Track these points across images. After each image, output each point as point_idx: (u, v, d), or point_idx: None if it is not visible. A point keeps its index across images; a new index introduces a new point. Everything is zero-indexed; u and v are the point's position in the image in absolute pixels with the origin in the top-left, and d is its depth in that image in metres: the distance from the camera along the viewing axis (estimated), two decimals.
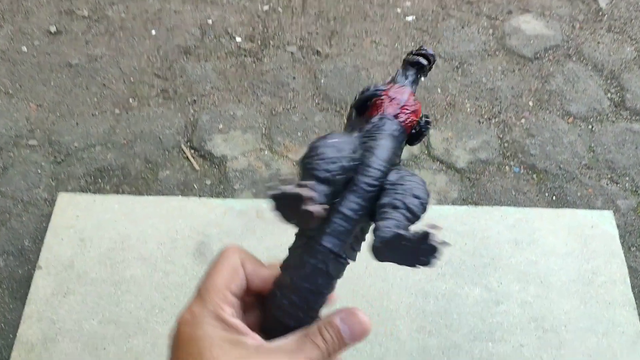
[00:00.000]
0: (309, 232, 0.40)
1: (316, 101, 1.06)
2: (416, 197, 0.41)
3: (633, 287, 0.83)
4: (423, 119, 0.49)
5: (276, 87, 1.09)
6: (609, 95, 1.07)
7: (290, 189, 0.34)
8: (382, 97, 0.47)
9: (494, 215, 0.91)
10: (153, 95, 1.07)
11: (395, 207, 0.41)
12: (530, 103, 1.05)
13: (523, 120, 1.03)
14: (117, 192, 0.95)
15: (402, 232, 0.36)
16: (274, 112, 1.05)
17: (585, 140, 1.00)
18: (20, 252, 0.89)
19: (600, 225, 0.89)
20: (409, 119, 0.47)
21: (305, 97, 1.07)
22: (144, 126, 1.02)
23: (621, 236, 0.88)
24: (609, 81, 1.09)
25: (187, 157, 0.98)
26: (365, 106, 0.47)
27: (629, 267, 0.85)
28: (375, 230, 0.40)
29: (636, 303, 0.82)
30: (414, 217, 0.40)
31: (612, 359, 0.78)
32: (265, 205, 0.92)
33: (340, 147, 0.41)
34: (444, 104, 1.06)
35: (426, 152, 0.99)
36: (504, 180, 0.96)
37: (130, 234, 0.89)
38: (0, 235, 0.90)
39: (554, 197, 0.94)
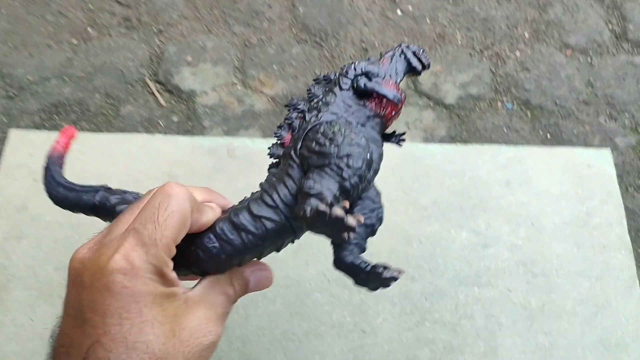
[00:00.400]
0: (292, 218, 0.42)
1: (294, 32, 0.97)
2: (379, 220, 0.47)
3: (629, 230, 0.78)
4: (401, 136, 0.53)
5: (250, 16, 0.99)
6: (610, 26, 0.99)
7: (347, 219, 0.36)
8: (390, 101, 0.48)
9: (484, 153, 0.84)
10: (114, 24, 0.97)
11: (365, 225, 0.45)
12: (526, 34, 0.97)
13: (518, 53, 0.95)
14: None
15: (380, 270, 0.42)
16: (247, 43, 0.96)
17: (583, 74, 0.93)
18: None
19: (597, 165, 0.83)
20: (390, 125, 0.51)
21: (282, 27, 0.98)
22: (104, 58, 0.93)
23: (619, 176, 0.83)
24: (610, 11, 1.01)
25: (152, 92, 0.90)
26: (368, 94, 0.48)
27: (626, 209, 0.80)
28: (344, 248, 0.45)
29: (632, 246, 0.77)
30: (372, 235, 0.46)
31: (606, 304, 0.73)
32: (237, 144, 0.85)
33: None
34: (433, 35, 0.97)
35: (412, 87, 0.91)
36: (495, 117, 0.89)
37: (89, 174, 0.82)
38: None
39: (548, 135, 0.87)
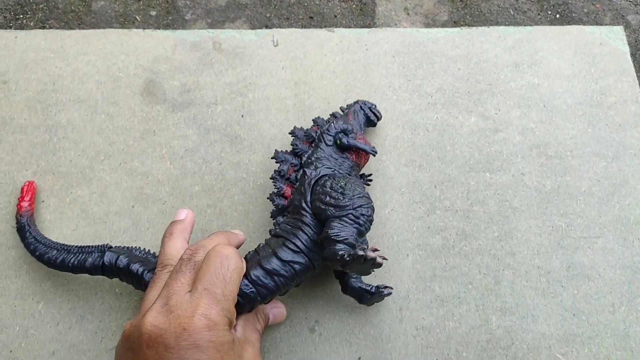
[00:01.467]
0: (318, 259, 0.56)
1: None
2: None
3: None
4: (368, 177, 0.69)
5: None
6: None
7: (378, 259, 0.51)
8: (367, 153, 0.63)
9: (491, 36, 0.78)
10: None
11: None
12: None
13: None
14: (42, 28, 0.79)
15: (382, 290, 0.61)
16: None
17: None
18: None
19: (610, 42, 0.78)
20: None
21: None
22: None
23: (632, 54, 0.78)
24: None
25: None
26: (349, 148, 0.62)
27: None
28: (350, 276, 0.60)
29: None
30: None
31: (623, 183, 0.70)
32: (224, 36, 0.78)
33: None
34: None
35: None
36: None
37: (62, 74, 0.75)
38: None
39: (557, 15, 0.82)
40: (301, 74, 0.75)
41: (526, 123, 0.73)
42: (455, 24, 0.81)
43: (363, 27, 0.80)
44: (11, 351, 0.62)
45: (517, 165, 0.71)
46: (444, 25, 0.81)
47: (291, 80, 0.75)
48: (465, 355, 0.62)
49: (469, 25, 0.80)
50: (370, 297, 0.60)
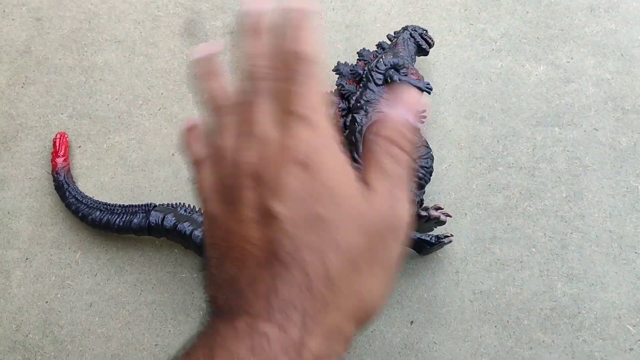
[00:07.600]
0: None
1: None
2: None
3: None
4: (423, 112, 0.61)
5: None
6: None
7: (441, 217, 0.53)
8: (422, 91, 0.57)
9: None
10: None
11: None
12: None
13: None
14: None
15: (442, 239, 0.57)
16: None
17: None
18: None
19: None
20: None
21: None
22: None
23: None
24: None
25: None
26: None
27: None
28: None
29: None
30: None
31: None
32: None
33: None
34: None
35: None
36: None
37: (98, 12, 0.70)
38: None
39: None
40: (353, 15, 0.69)
41: (601, 73, 0.66)
42: None
43: None
44: (47, 302, 0.60)
45: (589, 120, 0.64)
46: None
47: (342, 23, 0.69)
48: (526, 323, 0.58)
49: None
50: (430, 247, 0.56)
